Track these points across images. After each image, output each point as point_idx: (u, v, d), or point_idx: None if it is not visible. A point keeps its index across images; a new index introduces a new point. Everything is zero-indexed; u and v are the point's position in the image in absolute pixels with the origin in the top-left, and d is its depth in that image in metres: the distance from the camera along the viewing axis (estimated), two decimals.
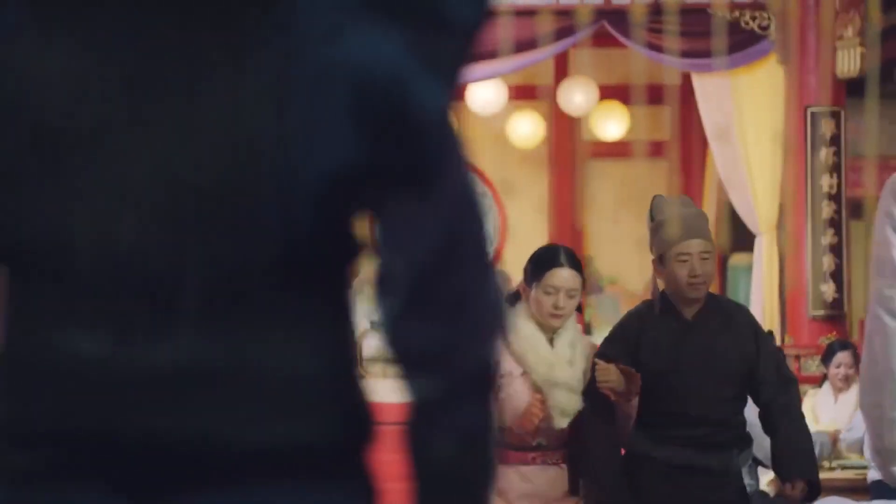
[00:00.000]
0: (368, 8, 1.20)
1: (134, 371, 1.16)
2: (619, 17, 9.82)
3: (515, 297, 4.61)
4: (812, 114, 9.76)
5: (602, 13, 9.94)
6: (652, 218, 4.68)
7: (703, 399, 4.49)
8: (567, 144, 13.16)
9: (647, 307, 4.75)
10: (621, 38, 9.97)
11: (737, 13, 9.92)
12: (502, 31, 10.18)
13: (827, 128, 9.74)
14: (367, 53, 1.20)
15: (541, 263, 4.52)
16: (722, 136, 10.21)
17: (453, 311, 1.26)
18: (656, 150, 12.98)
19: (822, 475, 6.38)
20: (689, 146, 12.30)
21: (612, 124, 12.48)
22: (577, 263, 4.57)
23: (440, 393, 1.26)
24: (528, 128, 12.61)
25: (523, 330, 4.47)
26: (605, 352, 4.54)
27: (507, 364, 4.34)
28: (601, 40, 10.05)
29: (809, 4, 9.78)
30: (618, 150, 12.78)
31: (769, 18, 9.92)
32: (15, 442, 1.19)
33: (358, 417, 1.28)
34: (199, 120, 1.17)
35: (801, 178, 9.82)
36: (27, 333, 1.20)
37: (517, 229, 13.50)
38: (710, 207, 12.63)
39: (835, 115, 9.77)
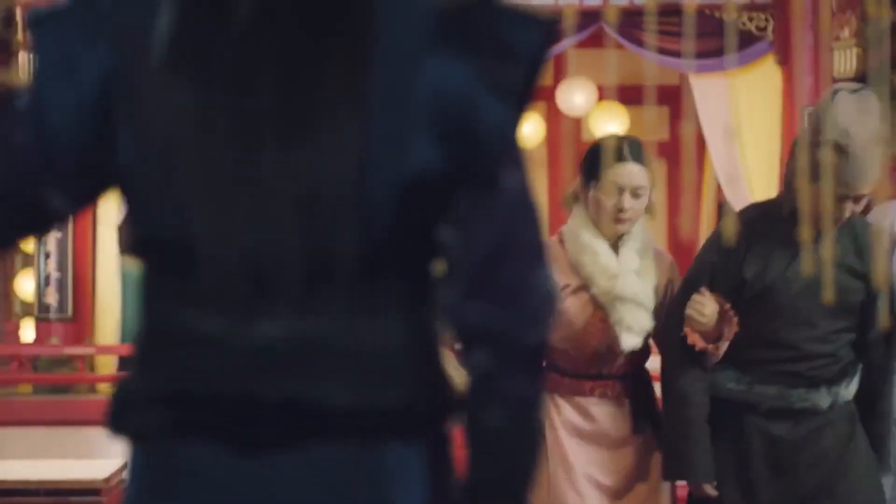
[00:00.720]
0: (444, 41, 1.43)
1: (241, 345, 1.42)
2: (619, 19, 9.91)
3: (573, 199, 4.02)
4: (808, 114, 9.80)
5: (600, 14, 9.97)
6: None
7: (815, 328, 3.78)
8: (566, 144, 13.19)
9: (767, 209, 3.96)
10: (621, 40, 10.05)
11: (734, 14, 9.98)
12: None
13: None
14: (442, 80, 1.44)
15: (600, 158, 3.85)
16: (719, 137, 10.24)
17: (510, 296, 1.49)
18: (655, 150, 13.06)
19: None
20: (687, 146, 12.31)
21: (611, 124, 12.57)
22: (643, 156, 3.96)
23: (495, 366, 1.49)
24: (527, 128, 12.68)
25: (581, 236, 3.87)
26: (703, 264, 3.83)
27: (562, 275, 3.79)
28: (600, 41, 10.07)
29: (807, 6, 9.79)
30: None
31: (767, 19, 9.99)
32: (146, 404, 1.48)
33: (433, 390, 1.49)
34: (295, 139, 1.42)
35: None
36: (157, 314, 1.48)
37: None
38: (709, 207, 12.66)
39: None
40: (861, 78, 9.28)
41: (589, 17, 10.05)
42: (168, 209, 1.43)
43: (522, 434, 1.52)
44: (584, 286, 3.86)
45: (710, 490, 3.78)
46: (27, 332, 11.87)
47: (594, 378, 3.88)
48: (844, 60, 9.66)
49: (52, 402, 9.42)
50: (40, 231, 1.57)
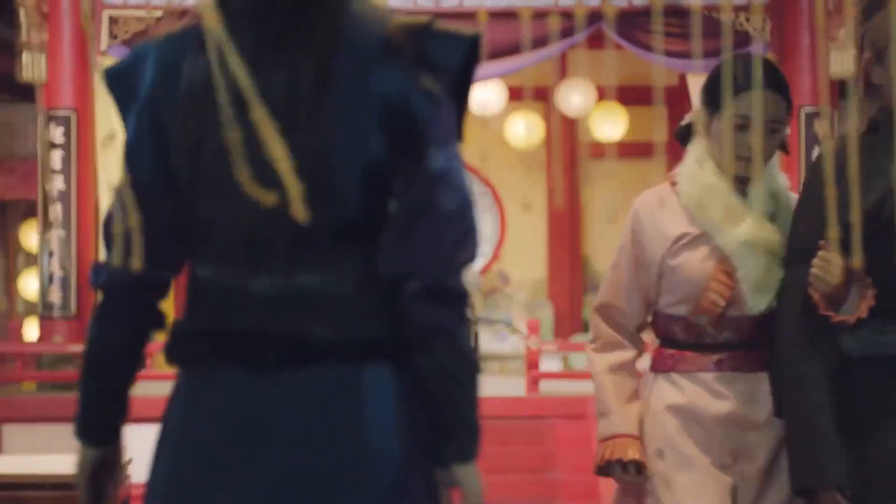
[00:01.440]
0: (389, 58, 1.88)
1: (247, 294, 1.90)
2: (617, 20, 9.97)
3: (686, 132, 3.27)
4: (805, 114, 9.92)
5: (600, 15, 10.06)
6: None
7: None
8: (565, 145, 13.29)
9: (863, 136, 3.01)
10: (619, 40, 10.10)
11: (732, 15, 10.05)
12: (500, 33, 10.35)
13: (820, 127, 9.90)
14: (387, 86, 1.88)
15: (727, 84, 3.15)
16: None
17: (422, 246, 1.89)
18: (653, 149, 13.13)
19: None
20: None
21: (610, 125, 12.59)
22: (781, 83, 3.10)
23: (425, 301, 1.90)
24: (526, 128, 12.73)
25: (700, 176, 3.16)
26: (809, 213, 2.98)
27: (674, 224, 3.18)
28: (599, 42, 10.17)
29: (803, 6, 9.92)
30: (616, 151, 12.84)
31: (764, 20, 10.07)
32: (190, 337, 1.95)
33: (392, 327, 1.92)
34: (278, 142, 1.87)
35: (794, 177, 9.94)
36: (194, 272, 1.96)
37: (516, 228, 13.68)
38: None
39: (827, 115, 9.90)
40: (859, 78, 9.39)
41: (587, 18, 10.17)
42: (196, 199, 1.92)
43: (455, 344, 1.92)
44: (704, 235, 3.13)
45: (843, 502, 2.91)
46: (31, 330, 11.98)
47: (720, 349, 3.15)
48: (841, 61, 9.78)
49: (56, 399, 9.44)
50: (174, 263, 2.06)
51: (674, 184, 3.25)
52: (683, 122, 3.31)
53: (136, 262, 1.94)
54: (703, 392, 3.15)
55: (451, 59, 1.91)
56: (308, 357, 1.89)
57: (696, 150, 3.21)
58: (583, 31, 10.22)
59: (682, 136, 3.30)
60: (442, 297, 1.90)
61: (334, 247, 1.89)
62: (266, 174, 1.84)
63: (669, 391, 3.20)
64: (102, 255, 2.05)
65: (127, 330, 2.05)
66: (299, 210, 1.82)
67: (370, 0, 1.97)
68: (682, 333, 3.19)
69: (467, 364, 1.93)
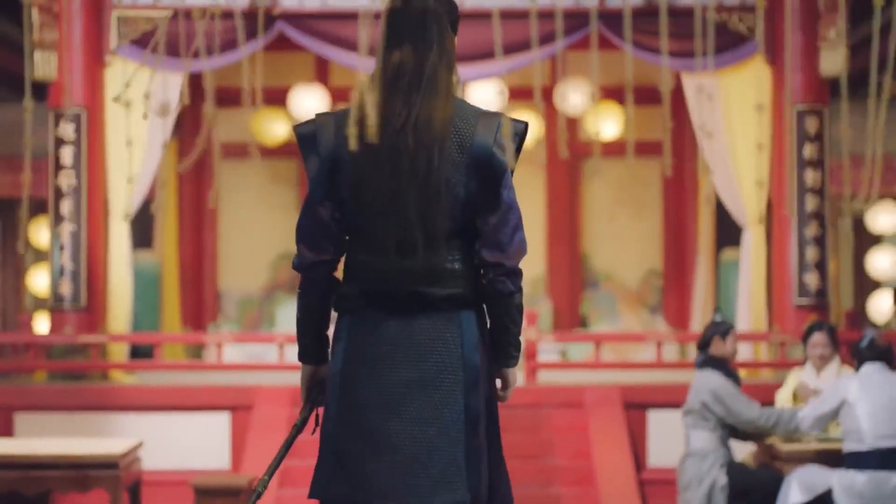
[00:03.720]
0: (477, 133, 3.22)
1: (395, 269, 3.21)
2: (613, 20, 10.09)
3: None
4: (797, 112, 10.08)
5: (598, 15, 10.15)
6: None
7: None
8: (563, 144, 13.37)
9: None
10: (615, 40, 10.24)
11: (725, 15, 10.21)
12: (499, 33, 10.47)
13: (811, 125, 10.07)
14: (478, 147, 3.18)
15: None
16: (711, 134, 10.45)
17: (501, 245, 3.23)
18: (651, 149, 13.27)
19: (801, 446, 6.76)
20: (683, 145, 12.51)
21: (607, 124, 12.73)
22: None
23: (497, 276, 3.26)
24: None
25: None
26: None
27: None
28: (598, 42, 10.23)
29: (795, 7, 10.02)
30: (613, 150, 12.96)
31: (756, 20, 10.18)
32: (353, 296, 3.24)
33: (477, 288, 3.28)
34: (415, 183, 3.19)
35: (786, 174, 10.11)
36: (354, 259, 3.25)
37: None
38: (705, 204, 12.87)
39: (818, 113, 10.10)
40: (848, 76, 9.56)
41: (584, 19, 10.31)
42: (357, 213, 3.24)
43: (514, 308, 3.33)
44: None
45: None
46: (40, 324, 12.15)
47: None
48: (832, 60, 9.93)
49: (67, 388, 9.65)
50: (342, 250, 3.33)
51: None
52: None
53: (321, 251, 3.27)
54: None
55: (513, 132, 3.23)
56: (429, 306, 3.22)
57: None
58: (580, 31, 10.35)
59: None
60: (511, 275, 3.29)
61: (447, 242, 3.22)
62: (408, 200, 3.19)
63: None
64: (296, 248, 3.33)
65: (322, 292, 3.36)
66: (423, 225, 3.19)
67: (462, 97, 3.32)
68: None
69: (519, 313, 3.35)
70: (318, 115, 3.27)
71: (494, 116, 3.19)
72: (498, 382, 3.39)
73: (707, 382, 6.92)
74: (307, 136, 3.25)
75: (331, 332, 3.37)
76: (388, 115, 3.18)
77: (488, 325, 3.30)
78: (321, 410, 3.33)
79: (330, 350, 3.29)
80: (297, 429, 3.33)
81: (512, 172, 3.21)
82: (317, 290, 3.31)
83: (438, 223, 3.15)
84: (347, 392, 3.19)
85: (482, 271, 3.24)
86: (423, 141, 3.15)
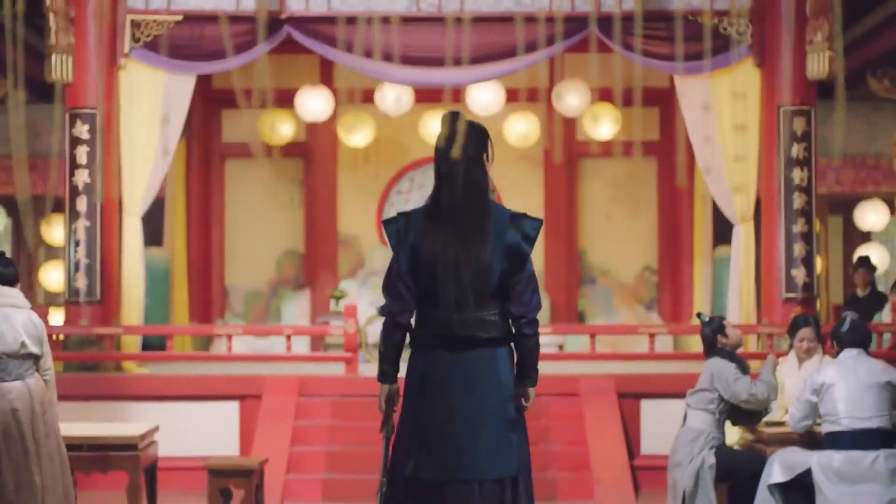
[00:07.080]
0: (511, 226, 4.46)
1: (453, 320, 4.45)
2: (608, 24, 10.25)
3: None
4: (784, 112, 10.32)
5: (596, 20, 10.30)
6: None
7: None
8: (562, 143, 13.51)
9: None
10: (610, 44, 10.42)
11: (716, 19, 10.41)
12: (498, 36, 10.72)
13: (798, 125, 10.33)
14: (510, 239, 4.45)
15: None
16: (702, 134, 10.67)
17: (526, 303, 4.48)
18: (646, 149, 13.47)
19: (784, 429, 7.09)
20: (678, 145, 12.68)
21: (603, 125, 12.93)
22: None
23: (522, 326, 4.50)
24: (524, 128, 13.02)
25: None
26: None
27: None
28: (594, 46, 10.28)
29: (783, 12, 10.28)
30: (610, 150, 13.07)
31: (746, 25, 10.44)
32: (424, 337, 4.52)
33: (508, 332, 4.52)
34: (465, 259, 4.46)
35: (774, 172, 10.36)
36: (423, 310, 4.52)
37: None
38: (700, 203, 13.09)
39: (805, 114, 10.35)
40: (834, 78, 9.80)
41: (581, 23, 10.52)
42: (427, 281, 4.45)
43: (534, 346, 4.54)
44: None
45: None
46: (55, 318, 12.42)
47: None
48: (818, 63, 10.17)
49: (82, 377, 9.92)
50: (415, 305, 4.50)
51: None
52: None
53: (403, 305, 4.43)
54: None
55: (533, 228, 4.44)
56: (477, 345, 4.42)
57: None
58: (577, 35, 10.51)
59: None
60: (531, 323, 4.47)
61: (490, 300, 4.41)
62: (462, 272, 4.39)
63: None
64: (384, 301, 4.52)
65: (402, 333, 4.51)
66: (473, 290, 4.40)
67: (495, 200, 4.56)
68: None
69: (536, 349, 4.55)
70: (399, 214, 4.52)
71: (520, 218, 4.46)
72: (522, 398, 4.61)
73: (713, 365, 7.17)
74: (394, 225, 4.51)
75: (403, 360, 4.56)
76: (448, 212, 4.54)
77: (515, 358, 4.52)
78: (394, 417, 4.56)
79: (406, 375, 4.45)
80: (388, 434, 4.54)
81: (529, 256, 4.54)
82: (399, 332, 4.51)
83: (483, 290, 4.39)
84: (424, 403, 4.45)
85: (511, 321, 4.47)
86: (473, 238, 4.46)
